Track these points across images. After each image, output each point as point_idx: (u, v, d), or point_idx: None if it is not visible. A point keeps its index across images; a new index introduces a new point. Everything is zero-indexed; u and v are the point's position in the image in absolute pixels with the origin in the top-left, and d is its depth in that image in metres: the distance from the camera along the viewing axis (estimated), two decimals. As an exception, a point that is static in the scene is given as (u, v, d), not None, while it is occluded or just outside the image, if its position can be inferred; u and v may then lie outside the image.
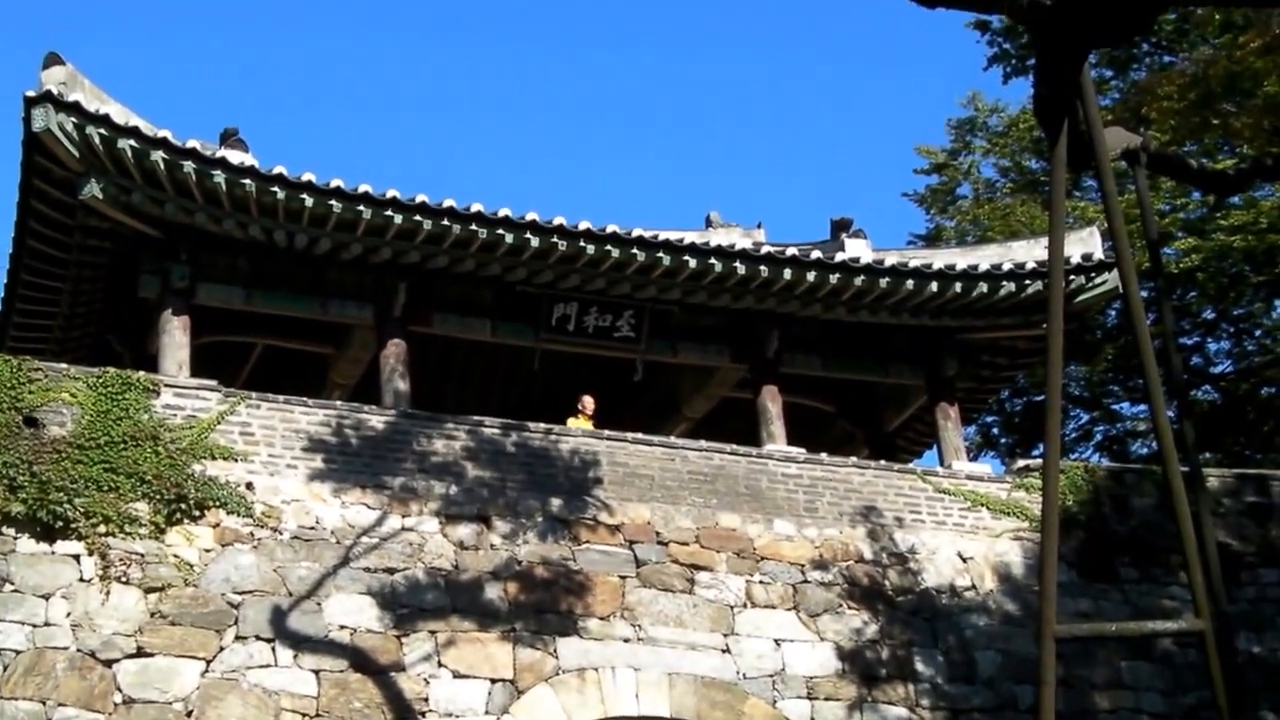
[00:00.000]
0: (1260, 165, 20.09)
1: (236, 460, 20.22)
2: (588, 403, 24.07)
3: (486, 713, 19.35)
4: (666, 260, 22.68)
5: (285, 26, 76.11)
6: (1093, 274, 24.85)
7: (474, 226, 21.74)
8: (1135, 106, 28.12)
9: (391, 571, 19.98)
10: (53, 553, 18.43)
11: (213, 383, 20.85)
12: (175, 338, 21.43)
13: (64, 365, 20.37)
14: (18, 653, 17.55)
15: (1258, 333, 37.46)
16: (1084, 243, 25.14)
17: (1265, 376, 35.90)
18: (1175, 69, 30.13)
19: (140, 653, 18.09)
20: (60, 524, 18.48)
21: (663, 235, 23.03)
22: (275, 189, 20.82)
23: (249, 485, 20.02)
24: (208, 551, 19.25)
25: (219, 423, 20.33)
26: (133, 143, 20.12)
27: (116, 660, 17.96)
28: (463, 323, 23.56)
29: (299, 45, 76.32)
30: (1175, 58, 34.58)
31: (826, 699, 21.14)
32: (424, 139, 76.40)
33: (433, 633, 19.64)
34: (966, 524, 23.77)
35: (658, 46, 77.65)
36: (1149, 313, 18.96)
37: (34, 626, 17.83)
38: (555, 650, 20.09)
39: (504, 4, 76.38)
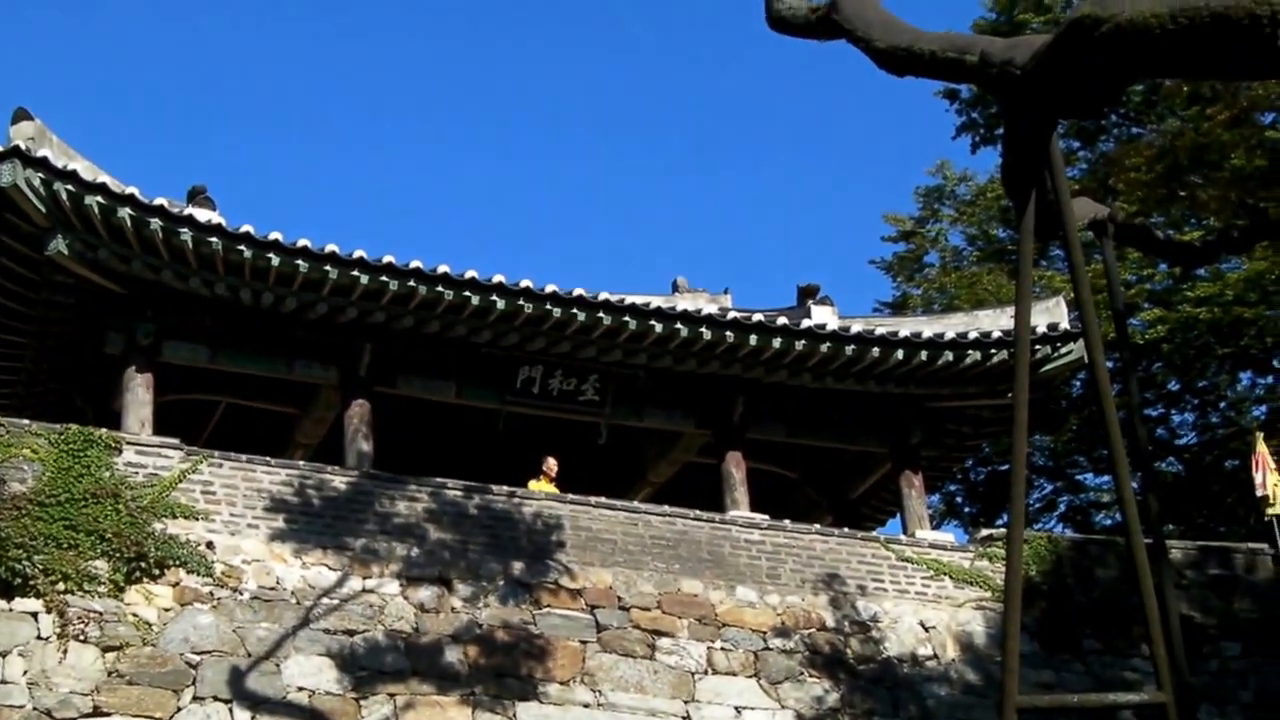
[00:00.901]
0: (1226, 238, 20.19)
1: (197, 519, 20.09)
2: (551, 465, 23.99)
3: (445, 778, 19.21)
4: (632, 325, 22.68)
5: (256, 86, 76.20)
6: (1059, 344, 24.93)
7: (440, 288, 21.72)
8: (1103, 177, 28.31)
9: (351, 633, 19.84)
10: (10, 610, 18.25)
11: (175, 441, 20.74)
12: (139, 395, 21.32)
13: (26, 421, 20.26)
14: (-28, 711, 17.37)
15: (1222, 405, 37.59)
16: (1050, 312, 25.22)
17: (1229, 449, 35.96)
18: (1143, 140, 30.34)
19: (97, 712, 17.90)
20: (19, 581, 18.30)
21: (629, 299, 23.02)
22: (242, 247, 20.78)
23: (209, 544, 19.89)
24: (167, 610, 19.09)
25: (180, 481, 20.21)
26: (100, 199, 20.06)
27: (73, 719, 17.77)
28: (427, 384, 23.51)
29: (269, 105, 76.40)
30: (1143, 129, 34.83)
31: (788, 767, 21.04)
32: (393, 201, 76.46)
33: (391, 695, 19.49)
34: (929, 593, 23.74)
35: (627, 111, 77.96)
36: (1114, 384, 18.99)
37: (-11, 684, 17.64)
38: (515, 715, 19.94)
39: (473, 67, 76.67)
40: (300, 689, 19.05)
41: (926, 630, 23.19)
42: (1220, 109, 24.43)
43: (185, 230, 20.52)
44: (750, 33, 78.40)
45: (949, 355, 24.24)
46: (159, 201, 20.50)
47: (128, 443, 20.29)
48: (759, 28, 13.86)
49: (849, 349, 23.69)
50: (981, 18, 39.92)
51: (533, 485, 23.29)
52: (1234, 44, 6.30)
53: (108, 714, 17.94)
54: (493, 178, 77.59)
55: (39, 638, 18.15)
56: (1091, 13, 6.92)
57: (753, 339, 23.28)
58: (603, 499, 22.95)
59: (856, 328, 24.13)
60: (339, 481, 21.27)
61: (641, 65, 78.48)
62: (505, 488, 22.31)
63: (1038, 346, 24.51)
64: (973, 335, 24.46)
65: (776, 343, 23.41)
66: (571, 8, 77.41)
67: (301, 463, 21.86)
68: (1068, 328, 24.69)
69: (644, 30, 78.64)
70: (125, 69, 73.58)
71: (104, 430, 20.38)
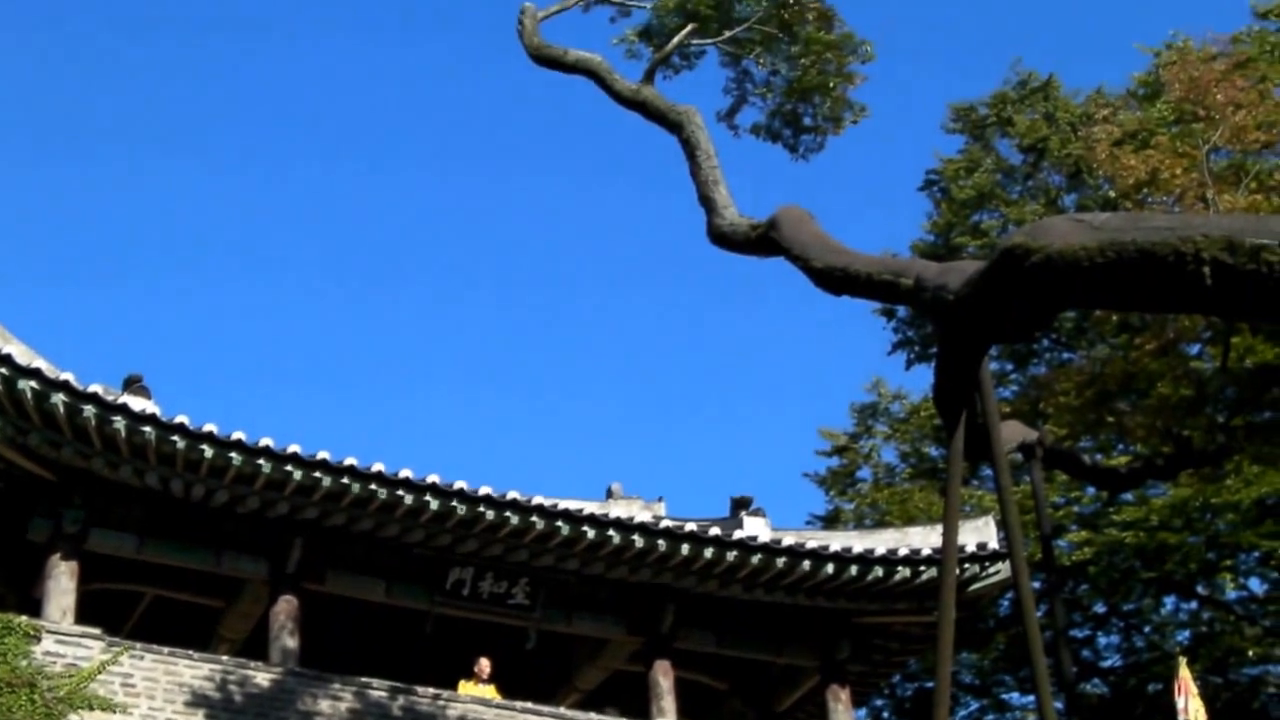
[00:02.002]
0: (1152, 465, 20.51)
1: (115, 712, 19.70)
2: (484, 665, 23.74)
3: None
4: (565, 530, 22.68)
5: (199, 272, 76.42)
6: (986, 563, 25.03)
7: (374, 486, 21.69)
8: (1034, 400, 28.71)
9: (267, 835, 19.45)
10: (-84, 801, 17.82)
11: (96, 631, 20.46)
12: (62, 583, 21.07)
13: (-56, 606, 19.96)
14: None
15: (1147, 629, 37.70)
16: (979, 532, 25.37)
17: (1153, 672, 35.99)
18: (1073, 366, 30.85)
19: None
20: (-73, 771, 17.88)
21: (562, 504, 23.05)
22: (175, 438, 20.72)
23: (127, 738, 19.52)
24: (80, 805, 18.67)
25: (100, 672, 19.85)
26: (34, 384, 20.01)
27: None
28: (357, 582, 23.34)
29: (212, 292, 76.55)
30: (1074, 354, 35.39)
31: None
32: (331, 396, 76.39)
33: None
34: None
35: (566, 320, 78.54)
36: (1040, 605, 19.11)
37: None
38: None
39: (417, 264, 77.28)
40: None
41: None
42: (1148, 338, 24.93)
43: (118, 419, 20.46)
44: (693, 249, 79.33)
45: (879, 571, 24.31)
46: (93, 389, 20.46)
47: (48, 631, 19.98)
48: (700, 244, 14.15)
49: (780, 561, 23.73)
50: (919, 239, 40.75)
51: (464, 686, 23.08)
52: (1160, 279, 6.49)
53: None
54: (431, 376, 77.74)
55: (-55, 830, 17.68)
56: (1023, 242, 7.13)
57: (685, 548, 23.29)
58: (529, 704, 22.76)
59: (788, 540, 24.19)
60: (262, 678, 21.00)
61: (582, 277, 79.32)
62: (431, 689, 22.08)
63: (965, 565, 24.59)
64: (903, 552, 24.54)
65: (708, 553, 23.43)
66: (506, 235, 78.43)
67: (225, 658, 21.59)
68: (996, 547, 24.82)
69: (581, 242, 79.60)
70: (67, 250, 73.70)
71: (24, 618, 20.02)
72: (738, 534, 24.16)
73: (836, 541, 24.89)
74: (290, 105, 78.53)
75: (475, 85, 79.85)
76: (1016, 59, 43.11)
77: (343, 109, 79.79)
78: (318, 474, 21.34)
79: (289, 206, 77.39)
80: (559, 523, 22.63)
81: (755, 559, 23.67)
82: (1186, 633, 36.93)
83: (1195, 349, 27.91)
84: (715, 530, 23.93)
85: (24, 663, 19.35)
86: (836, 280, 10.31)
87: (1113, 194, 28.61)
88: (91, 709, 19.50)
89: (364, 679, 21.87)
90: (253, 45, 76.44)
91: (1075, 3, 72.13)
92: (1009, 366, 37.03)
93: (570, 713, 23.36)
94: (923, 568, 24.41)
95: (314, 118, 78.17)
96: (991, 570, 25.14)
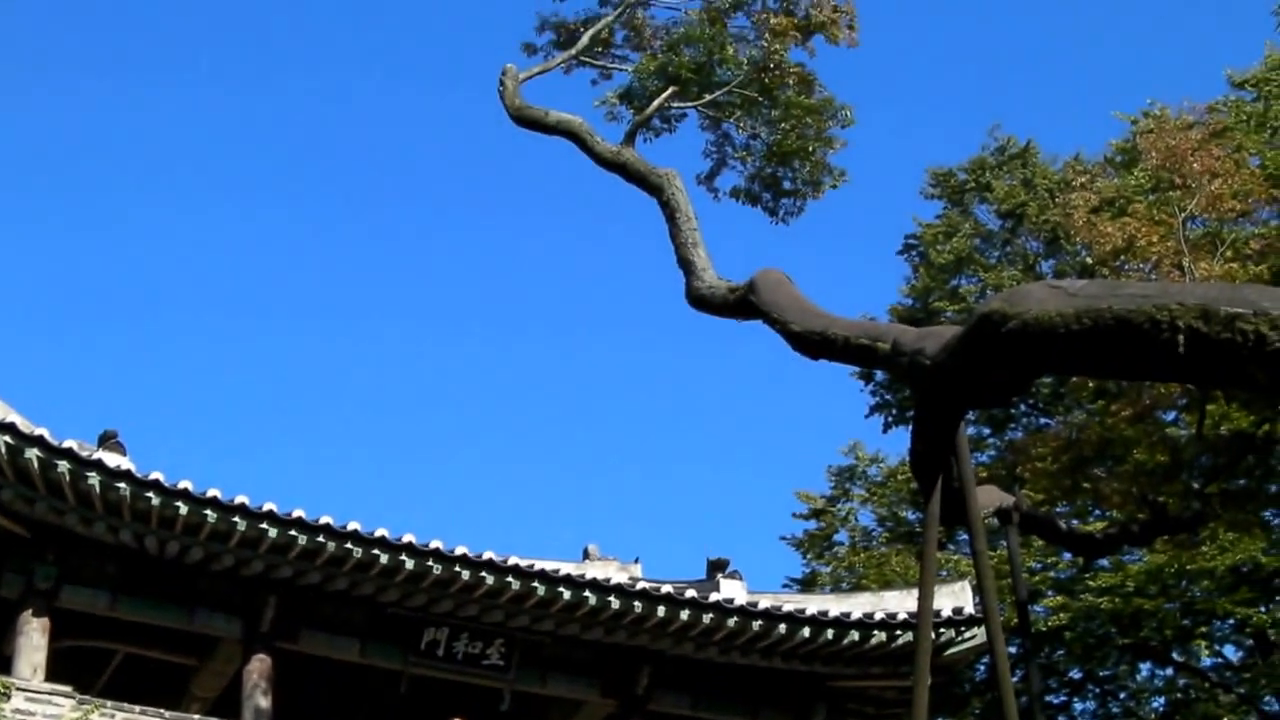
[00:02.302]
0: (1127, 531, 20.52)
1: (85, 770, 19.60)
2: (460, 726, 23.63)
3: None
4: (541, 591, 22.60)
5: (178, 332, 76.33)
6: (962, 628, 24.99)
7: (349, 545, 21.60)
8: (1011, 465, 28.75)
9: None
10: None
11: (67, 689, 20.31)
12: (33, 639, 20.93)
13: (-88, 663, 19.82)
14: None
15: (1122, 695, 37.66)
16: (955, 596, 25.33)
17: (1129, 739, 35.97)
18: (1050, 431, 30.91)
19: None
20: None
21: (538, 565, 22.98)
22: (150, 495, 20.63)
23: (96, 797, 19.37)
24: None
25: (71, 730, 19.74)
26: (8, 439, 19.93)
27: None
28: (331, 641, 23.22)
29: (190, 352, 76.43)
30: (1051, 420, 35.46)
31: None
32: (306, 455, 76.23)
33: None
34: None
35: (545, 380, 78.54)
36: (1016, 670, 19.05)
37: None
38: None
39: (392, 327, 77.28)
40: None
41: None
42: (1125, 405, 24.99)
43: (93, 475, 20.38)
44: (669, 311, 79.53)
45: (855, 635, 24.25)
46: (68, 444, 20.38)
47: (18, 689, 19.85)
48: (679, 305, 14.17)
49: (756, 624, 23.67)
50: (897, 303, 40.87)
51: (441, 747, 22.93)
52: (1136, 346, 6.50)
53: None
54: (409, 436, 77.63)
55: None
56: (1000, 308, 7.13)
57: (661, 610, 23.22)
58: (502, 766, 22.60)
59: (764, 603, 24.14)
60: (234, 737, 20.84)
61: (560, 338, 79.37)
62: (403, 751, 21.93)
63: (941, 630, 24.54)
64: (878, 616, 24.50)
65: (684, 615, 23.36)
66: (486, 296, 78.51)
67: (197, 717, 21.50)
68: (972, 612, 24.78)
69: (559, 303, 79.70)
70: (42, 303, 73.55)
71: (-6, 675, 19.95)
72: (714, 596, 24.10)
73: (813, 605, 24.84)
74: (260, 155, 78.70)
75: (456, 142, 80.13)
76: (995, 125, 43.37)
77: (316, 157, 79.96)
78: (293, 532, 21.26)
79: (265, 260, 77.47)
80: (535, 583, 22.55)
81: (731, 622, 23.61)
82: (1162, 699, 36.92)
83: (1171, 416, 28.00)
84: (691, 592, 23.87)
85: (-7, 720, 19.24)
86: (814, 344, 10.32)
87: (1090, 261, 28.78)
88: (61, 767, 19.38)
89: (337, 739, 21.73)
90: (229, 98, 76.59)
91: (1053, 70, 72.67)
92: (986, 431, 37.10)
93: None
94: (898, 632, 24.36)
95: (285, 163, 78.35)
96: (967, 635, 25.10)
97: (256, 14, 77.87)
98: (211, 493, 20.91)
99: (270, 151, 78.30)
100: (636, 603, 23.12)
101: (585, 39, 20.32)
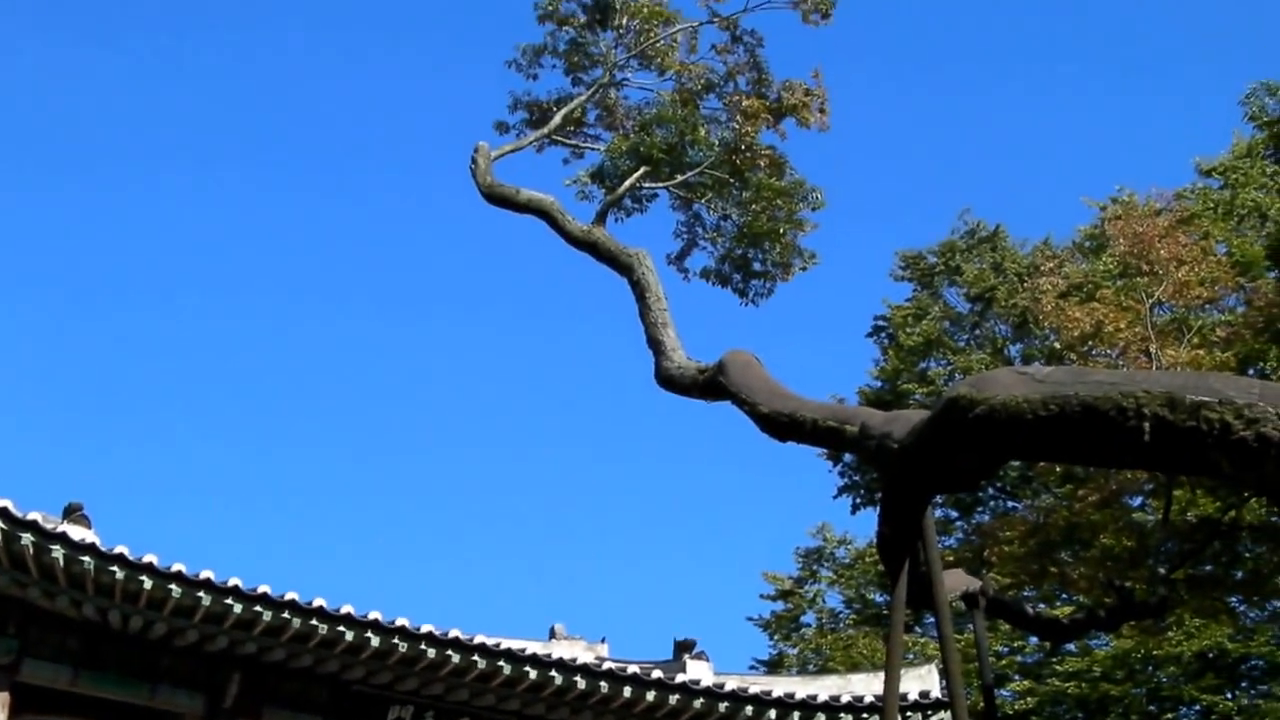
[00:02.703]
0: (1094, 616, 20.55)
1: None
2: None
3: None
4: (507, 670, 22.46)
5: (146, 406, 76.07)
6: (929, 711, 24.89)
7: (315, 622, 21.46)
8: (978, 548, 28.77)
9: None
10: None
11: (24, 765, 20.10)
12: (-7, 714, 20.72)
13: None
14: None
15: (1090, 780, 37.51)
16: (922, 680, 25.26)
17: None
18: (1017, 515, 30.95)
19: None
20: None
21: (505, 644, 22.86)
22: (115, 568, 20.48)
23: None
24: None
25: (28, 807, 19.51)
26: (-29, 511, 19.81)
27: None
28: (295, 718, 23.00)
29: (157, 426, 76.16)
30: (1018, 504, 35.52)
31: None
32: (276, 531, 75.91)
33: None
34: None
35: (513, 455, 78.39)
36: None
37: None
38: None
39: (364, 403, 77.12)
40: None
41: None
42: (1092, 490, 25.08)
43: (57, 548, 20.23)
44: (639, 390, 79.51)
45: (821, 717, 24.15)
46: (32, 516, 20.25)
47: (-23, 764, 19.63)
48: (649, 387, 14.18)
49: (723, 706, 23.55)
50: (866, 385, 41.01)
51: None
52: (1102, 433, 6.53)
53: None
54: (376, 513, 77.35)
55: None
56: (967, 394, 7.16)
57: (627, 691, 23.10)
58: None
59: (731, 685, 24.03)
60: (193, 815, 20.62)
61: (527, 417, 79.31)
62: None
63: (907, 714, 24.44)
64: (845, 699, 24.41)
65: (650, 696, 23.24)
66: (450, 375, 78.52)
67: (157, 794, 21.22)
68: (938, 696, 24.70)
69: (526, 382, 79.71)
70: (7, 375, 73.29)
71: (-47, 749, 19.72)
72: (680, 677, 23.99)
73: (780, 687, 24.73)
74: (226, 237, 78.77)
75: (428, 221, 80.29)
76: (965, 209, 43.74)
77: (285, 237, 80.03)
78: (258, 608, 21.12)
79: (233, 337, 77.36)
80: (501, 662, 22.42)
81: (698, 703, 23.49)
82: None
83: (1138, 501, 28.10)
84: (658, 673, 23.76)
85: (-50, 795, 19.02)
86: (782, 426, 10.34)
87: (1058, 345, 28.92)
88: (18, 844, 19.15)
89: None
90: (195, 181, 76.75)
91: (1023, 155, 73.27)
92: (953, 514, 37.16)
93: None
94: (865, 715, 24.28)
95: (251, 243, 78.38)
96: (934, 718, 25.01)
97: (224, 102, 78.19)
98: (176, 567, 20.78)
99: (239, 234, 78.38)
100: (603, 683, 23.00)
101: (558, 118, 20.42)
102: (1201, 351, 25.37)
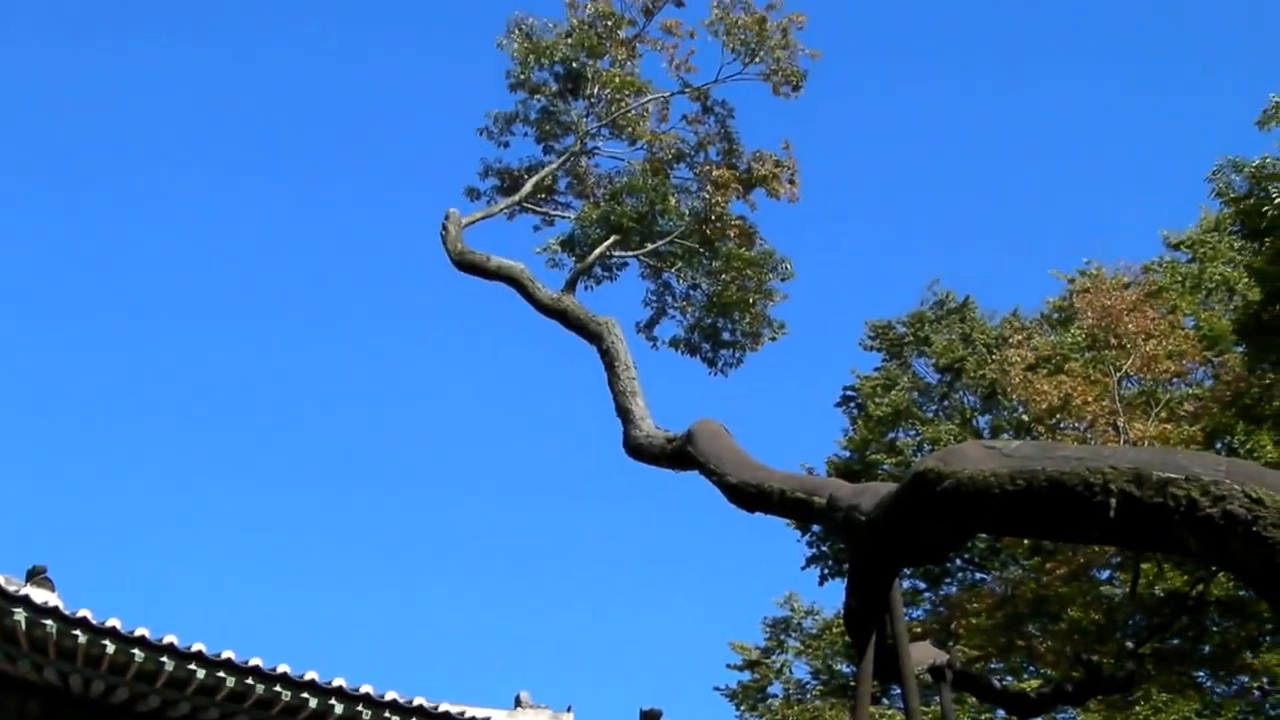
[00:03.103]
0: (1061, 690, 20.51)
1: None
2: None
3: None
4: (471, 737, 22.31)
5: (110, 467, 75.70)
6: (898, 784, 24.82)
7: (279, 688, 21.27)
8: (945, 620, 28.76)
9: None
10: None
11: (-17, 830, 19.86)
12: (-50, 779, 20.49)
13: None
14: None
15: None
16: (889, 752, 25.20)
17: None
18: (985, 587, 30.96)
19: None
20: None
21: (469, 712, 22.71)
22: (77, 632, 20.30)
23: None
24: None
25: None
26: (-67, 573, 19.66)
27: None
28: (256, 786, 22.79)
29: (122, 489, 75.77)
30: (986, 575, 35.49)
31: None
32: (241, 597, 75.41)
33: None
34: None
35: (479, 521, 78.17)
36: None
37: None
38: None
39: (325, 463, 76.90)
40: None
41: None
42: (1059, 563, 25.10)
43: (19, 610, 20.05)
44: (607, 457, 79.43)
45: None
46: (-5, 580, 20.10)
47: (-68, 830, 19.39)
48: (618, 454, 14.15)
49: (687, 777, 23.45)
50: (835, 455, 40.99)
51: None
52: (1069, 508, 6.53)
53: None
54: (340, 577, 76.94)
55: None
56: (935, 467, 7.16)
57: (591, 760, 22.97)
58: None
59: (696, 755, 23.93)
60: None
61: (492, 480, 79.17)
62: None
63: (875, 786, 24.36)
64: (811, 770, 24.31)
65: (614, 766, 23.13)
66: (411, 433, 78.39)
67: None
68: (907, 769, 24.61)
69: (491, 444, 79.57)
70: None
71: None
72: (645, 747, 23.86)
73: (745, 758, 24.64)
74: (196, 285, 78.69)
75: (390, 288, 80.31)
76: (934, 279, 43.86)
77: (248, 288, 79.95)
78: (221, 674, 20.93)
79: (195, 399, 77.07)
80: (465, 731, 22.28)
81: (663, 773, 23.37)
82: None
83: (1106, 574, 28.12)
84: (623, 743, 23.66)
85: None
86: (750, 497, 10.33)
87: (1026, 417, 29.00)
88: None
89: None
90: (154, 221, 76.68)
91: (993, 226, 73.67)
92: (921, 585, 37.07)
93: None
94: (831, 787, 24.18)
95: (213, 305, 78.30)
96: (901, 791, 24.94)
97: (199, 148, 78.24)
98: (139, 632, 20.60)
99: (200, 279, 78.29)
100: (567, 752, 22.87)
101: (529, 186, 20.48)
102: (1169, 425, 25.46)
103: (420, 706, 21.97)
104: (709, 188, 20.59)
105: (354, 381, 78.35)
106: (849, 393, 42.61)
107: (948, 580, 37.14)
